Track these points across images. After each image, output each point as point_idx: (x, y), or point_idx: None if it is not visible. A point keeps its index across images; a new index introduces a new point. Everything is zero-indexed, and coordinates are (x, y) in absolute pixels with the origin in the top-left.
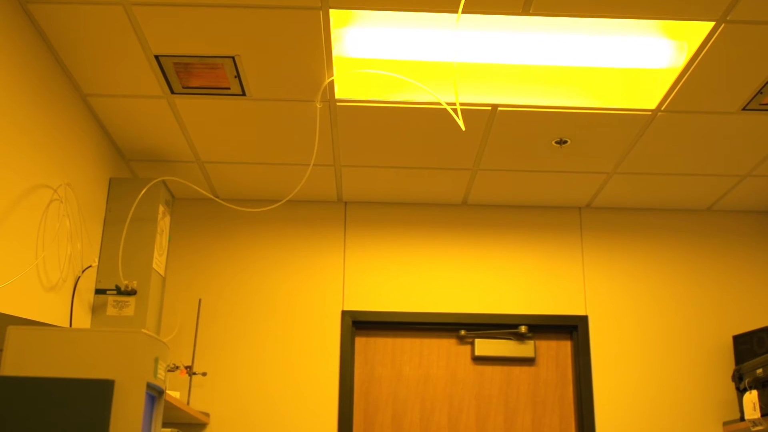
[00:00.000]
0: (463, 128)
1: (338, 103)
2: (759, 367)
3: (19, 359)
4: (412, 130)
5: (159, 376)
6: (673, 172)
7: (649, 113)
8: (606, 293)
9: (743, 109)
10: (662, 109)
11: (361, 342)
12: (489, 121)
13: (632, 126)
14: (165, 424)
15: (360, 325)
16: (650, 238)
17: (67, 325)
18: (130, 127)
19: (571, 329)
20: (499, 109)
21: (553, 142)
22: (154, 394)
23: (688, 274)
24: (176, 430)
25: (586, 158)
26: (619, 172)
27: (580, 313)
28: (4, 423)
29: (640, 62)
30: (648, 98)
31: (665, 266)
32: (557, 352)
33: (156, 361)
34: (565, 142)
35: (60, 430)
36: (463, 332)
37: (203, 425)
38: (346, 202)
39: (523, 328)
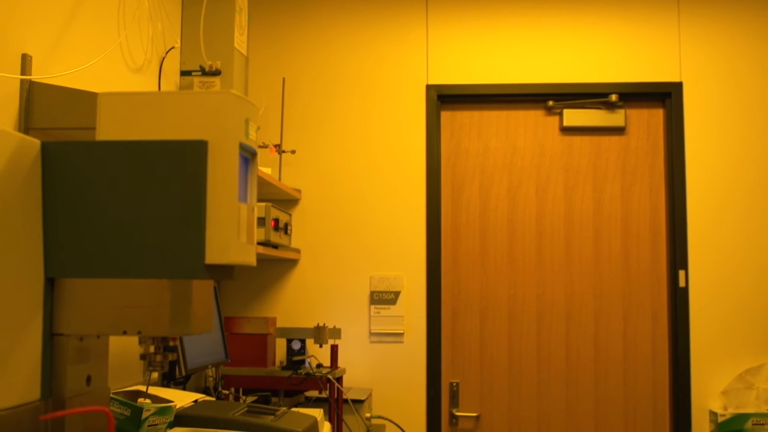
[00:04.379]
0: None
1: None
2: None
3: (113, 125)
4: None
5: (250, 137)
6: None
7: None
8: (703, 58)
9: None
10: None
11: (446, 116)
12: None
13: None
14: (259, 200)
15: (445, 98)
16: None
17: None
18: None
19: (664, 97)
20: None
21: None
22: (247, 155)
23: None
24: (270, 203)
25: None
26: None
27: (675, 79)
28: (102, 186)
29: None
30: None
31: None
32: (648, 120)
33: (247, 122)
34: None
35: (157, 191)
36: (551, 103)
37: (296, 201)
38: None
39: (613, 97)
